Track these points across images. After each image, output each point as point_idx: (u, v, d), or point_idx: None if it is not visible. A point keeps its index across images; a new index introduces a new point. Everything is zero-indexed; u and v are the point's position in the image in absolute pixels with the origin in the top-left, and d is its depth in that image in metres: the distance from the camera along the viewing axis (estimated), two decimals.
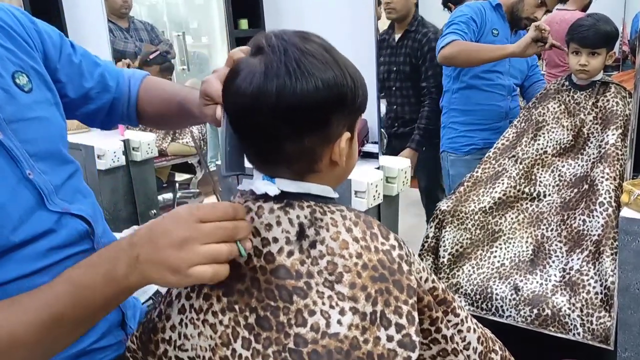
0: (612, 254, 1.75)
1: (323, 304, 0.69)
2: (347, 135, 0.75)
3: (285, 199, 0.75)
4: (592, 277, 1.80)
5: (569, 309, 1.80)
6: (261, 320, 0.71)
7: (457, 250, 2.05)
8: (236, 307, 0.73)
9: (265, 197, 0.76)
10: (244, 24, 3.26)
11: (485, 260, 2.03)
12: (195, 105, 0.93)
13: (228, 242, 0.69)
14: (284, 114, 0.69)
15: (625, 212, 1.52)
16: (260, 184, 0.75)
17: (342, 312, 0.69)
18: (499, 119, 2.41)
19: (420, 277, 0.78)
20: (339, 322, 0.69)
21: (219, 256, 0.68)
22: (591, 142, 2.02)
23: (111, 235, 1.02)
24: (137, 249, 0.68)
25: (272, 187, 0.74)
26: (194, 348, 0.77)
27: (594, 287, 1.78)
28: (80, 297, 0.69)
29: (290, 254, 0.72)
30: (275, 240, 0.73)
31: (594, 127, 2.02)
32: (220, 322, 0.74)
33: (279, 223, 0.74)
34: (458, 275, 2.04)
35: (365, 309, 0.69)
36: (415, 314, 0.70)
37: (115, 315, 0.97)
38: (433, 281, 0.81)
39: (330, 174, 0.78)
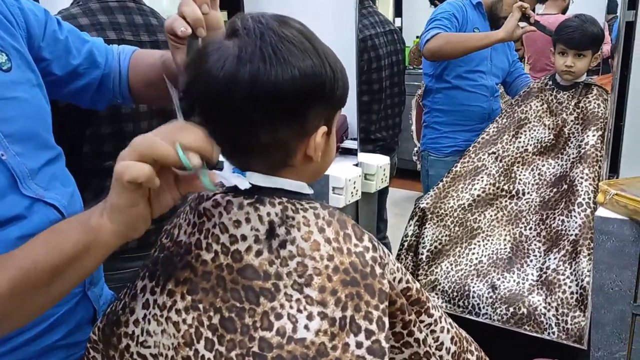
0: (588, 254, 1.75)
1: (291, 307, 0.67)
2: (323, 129, 0.71)
3: (256, 194, 0.72)
4: (568, 277, 1.80)
5: (545, 308, 1.80)
6: (225, 321, 0.69)
7: (435, 247, 2.04)
8: (200, 306, 0.71)
9: (235, 191, 0.73)
10: (223, 16, 3.21)
11: (463, 258, 2.03)
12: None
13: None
14: (257, 102, 0.65)
15: (601, 212, 1.51)
16: (230, 176, 0.71)
17: (310, 317, 0.66)
18: (482, 120, 2.39)
19: (394, 278, 0.76)
20: (306, 327, 0.66)
21: (147, 150, 0.62)
22: (571, 142, 2.02)
23: None
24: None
25: (242, 180, 0.71)
26: (156, 345, 0.74)
27: (569, 287, 1.78)
28: (53, 242, 0.68)
29: (258, 253, 0.70)
30: (244, 238, 0.70)
31: (574, 128, 2.02)
32: (184, 321, 0.71)
33: (248, 220, 0.71)
34: (436, 273, 2.03)
35: (335, 314, 0.67)
36: (386, 319, 0.68)
37: (85, 311, 0.94)
38: (407, 281, 0.79)
39: (304, 169, 0.74)
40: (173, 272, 0.74)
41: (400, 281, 0.77)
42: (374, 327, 0.67)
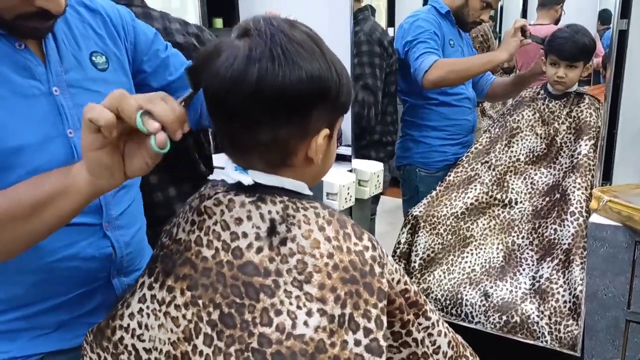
0: (581, 263, 1.76)
1: (290, 304, 0.67)
2: (325, 131, 0.72)
3: (258, 192, 0.72)
4: (561, 286, 1.80)
5: (538, 316, 1.80)
6: (225, 317, 0.68)
7: (428, 256, 2.04)
8: (200, 302, 0.70)
9: (237, 190, 0.73)
10: (218, 22, 3.21)
11: (456, 266, 2.03)
12: None
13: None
14: (263, 100, 0.66)
15: (594, 218, 1.52)
16: (233, 174, 0.73)
17: (309, 314, 0.66)
18: (468, 132, 2.38)
19: (393, 279, 0.76)
20: (305, 323, 0.66)
21: (115, 100, 0.64)
22: (564, 152, 2.03)
23: (139, 238, 1.05)
24: None
25: (245, 177, 0.72)
26: (152, 340, 0.74)
27: (562, 296, 1.78)
28: (39, 181, 0.74)
29: (259, 250, 0.70)
30: (245, 235, 0.70)
31: (567, 137, 2.04)
32: (184, 317, 0.71)
33: (249, 217, 0.71)
34: (429, 281, 2.03)
35: (334, 311, 0.66)
36: (384, 318, 0.68)
37: (106, 297, 0.98)
38: (405, 283, 0.79)
39: (305, 170, 0.75)
40: (172, 268, 0.74)
41: (398, 282, 0.77)
42: (372, 325, 0.67)
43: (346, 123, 2.10)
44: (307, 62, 0.67)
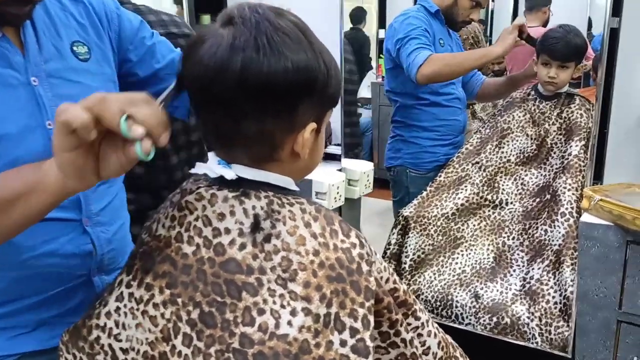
0: (572, 264, 1.75)
1: (274, 302, 0.64)
2: (312, 125, 0.70)
3: (242, 187, 0.70)
4: (551, 287, 1.79)
5: (528, 317, 1.79)
6: (205, 316, 0.66)
7: (418, 257, 2.02)
8: (179, 300, 0.68)
9: (220, 184, 0.71)
10: (206, 19, 3.18)
11: (446, 267, 2.01)
12: None
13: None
14: (246, 91, 0.64)
15: (585, 218, 1.51)
16: (216, 167, 0.70)
17: (293, 313, 0.64)
18: (458, 133, 2.36)
19: (381, 277, 0.74)
20: (289, 323, 0.63)
21: (95, 103, 0.60)
22: (554, 153, 2.02)
23: (122, 232, 1.02)
24: None
25: (228, 171, 0.69)
26: (129, 339, 0.71)
27: (553, 297, 1.77)
28: (9, 177, 0.71)
29: (242, 246, 0.67)
30: (228, 231, 0.68)
31: (557, 138, 2.03)
32: (162, 315, 0.68)
33: (232, 213, 0.68)
34: (419, 282, 2.01)
35: (319, 310, 0.64)
36: (372, 317, 0.66)
37: (87, 296, 0.95)
38: (395, 282, 0.77)
39: (291, 165, 0.73)
40: (152, 266, 0.71)
41: (387, 281, 0.75)
42: (358, 325, 0.65)
43: (336, 121, 2.09)
44: (294, 52, 0.65)
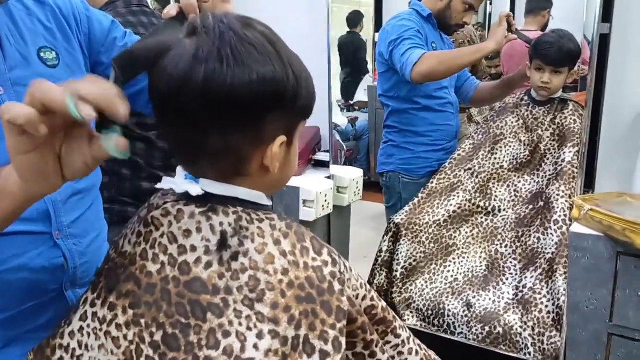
0: (565, 273, 1.72)
1: (240, 324, 0.62)
2: (282, 138, 0.67)
3: (210, 202, 0.67)
4: (544, 296, 1.77)
5: (521, 327, 1.76)
6: (168, 338, 0.63)
7: (410, 264, 1.99)
8: (142, 321, 0.65)
9: (187, 200, 0.68)
10: None
11: (438, 275, 1.98)
12: None
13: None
14: (209, 104, 0.61)
15: (575, 228, 1.48)
16: (182, 182, 0.68)
17: (260, 335, 0.61)
18: (451, 138, 2.33)
19: (357, 295, 0.71)
20: (255, 346, 0.61)
21: (37, 92, 0.55)
22: (547, 159, 2.00)
23: (97, 242, 0.99)
24: None
25: (194, 187, 0.66)
26: None
27: (546, 306, 1.75)
28: None
29: (208, 265, 0.64)
30: (193, 248, 0.65)
31: (550, 144, 2.00)
32: (125, 337, 0.65)
33: (199, 230, 0.66)
34: (411, 290, 1.98)
35: (287, 333, 0.61)
36: (343, 339, 0.63)
37: (60, 311, 0.90)
38: (372, 299, 0.74)
39: (261, 180, 0.70)
40: (116, 284, 0.68)
41: (364, 298, 0.73)
42: (329, 347, 0.62)
43: (324, 128, 2.06)
44: (259, 64, 0.62)
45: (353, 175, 1.96)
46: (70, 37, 0.95)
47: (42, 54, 0.89)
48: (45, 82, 0.55)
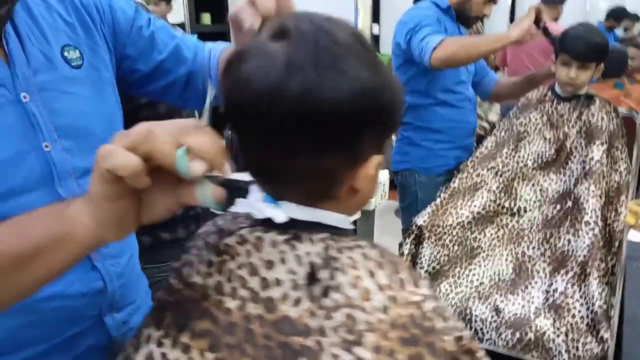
0: (599, 277, 1.66)
1: None
2: (377, 159, 0.59)
3: (293, 228, 0.58)
4: (577, 300, 1.70)
5: (554, 333, 1.69)
6: None
7: (434, 268, 1.92)
8: None
9: (266, 225, 0.59)
10: (206, 18, 3.06)
11: (463, 279, 1.91)
12: None
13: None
14: (305, 121, 0.52)
15: (633, 236, 1.41)
16: (262, 207, 0.59)
17: None
18: (468, 135, 2.26)
19: (455, 333, 0.63)
20: None
21: (142, 140, 0.49)
22: (574, 157, 1.93)
23: (131, 265, 0.92)
24: None
25: (278, 213, 0.58)
26: None
27: (579, 311, 1.68)
28: (24, 227, 0.57)
29: (297, 302, 0.56)
30: (279, 282, 0.57)
31: (577, 141, 1.93)
32: None
33: (283, 260, 0.57)
34: None
35: None
36: None
37: (98, 338, 0.85)
38: (461, 330, 0.66)
39: (348, 202, 0.62)
40: (187, 321, 0.59)
41: (459, 333, 0.65)
42: None
43: None
44: (358, 72, 0.53)
45: (380, 178, 1.87)
46: (93, 31, 0.86)
47: (65, 54, 0.81)
48: (152, 130, 0.49)
